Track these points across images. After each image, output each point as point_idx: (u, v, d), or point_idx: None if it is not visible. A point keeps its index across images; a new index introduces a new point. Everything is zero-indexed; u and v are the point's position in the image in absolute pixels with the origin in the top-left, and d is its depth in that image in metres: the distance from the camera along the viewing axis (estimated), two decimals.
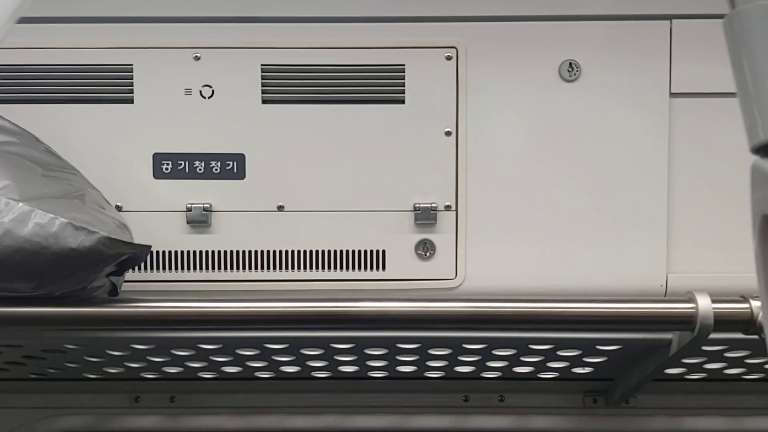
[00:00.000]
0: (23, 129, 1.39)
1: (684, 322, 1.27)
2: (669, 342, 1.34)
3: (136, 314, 1.27)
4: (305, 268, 1.50)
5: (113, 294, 1.31)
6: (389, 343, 1.42)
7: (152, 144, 1.49)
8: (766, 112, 0.71)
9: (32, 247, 1.15)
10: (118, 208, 1.46)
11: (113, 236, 1.18)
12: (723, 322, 1.25)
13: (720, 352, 1.41)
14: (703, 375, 1.59)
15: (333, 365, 1.55)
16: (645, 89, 1.49)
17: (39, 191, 1.22)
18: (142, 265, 1.47)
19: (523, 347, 1.44)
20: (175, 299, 1.32)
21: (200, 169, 1.49)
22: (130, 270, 1.40)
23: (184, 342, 1.40)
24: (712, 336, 1.27)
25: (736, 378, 1.59)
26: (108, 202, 1.39)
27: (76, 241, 1.15)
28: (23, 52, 1.47)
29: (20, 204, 1.16)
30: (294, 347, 1.44)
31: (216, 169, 1.49)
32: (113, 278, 1.29)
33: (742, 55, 0.73)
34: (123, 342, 1.39)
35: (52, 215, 1.16)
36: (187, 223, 1.49)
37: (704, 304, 1.25)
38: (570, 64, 1.49)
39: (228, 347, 1.44)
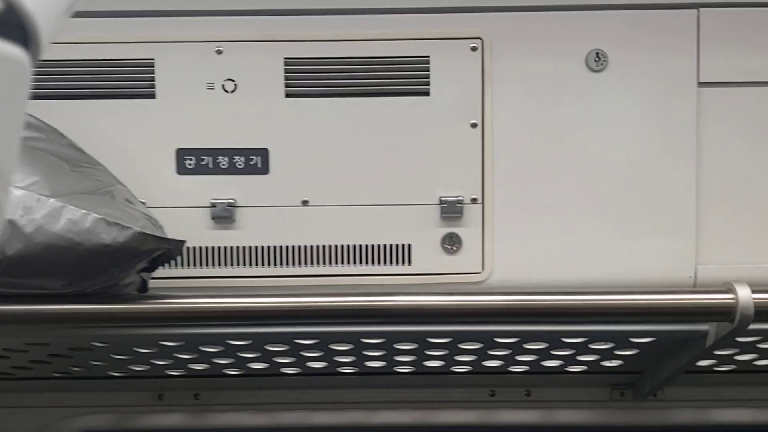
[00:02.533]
0: (48, 125, 1.37)
1: (723, 313, 1.25)
2: (705, 333, 1.32)
3: (169, 311, 1.26)
4: (330, 263, 1.49)
5: (143, 290, 1.30)
6: (420, 338, 1.40)
7: (175, 139, 1.47)
8: None
9: (65, 244, 1.13)
10: (142, 204, 1.45)
11: (147, 231, 1.17)
12: (763, 312, 1.23)
13: (753, 343, 1.39)
14: (733, 366, 1.57)
15: (360, 361, 1.54)
16: (673, 78, 1.47)
17: (69, 187, 1.20)
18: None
19: (555, 340, 1.42)
20: (206, 295, 1.30)
21: (224, 164, 1.47)
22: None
23: (214, 338, 1.39)
24: (751, 327, 1.25)
25: (766, 369, 1.58)
26: (135, 198, 1.38)
27: (110, 237, 1.14)
28: None
29: (51, 200, 1.15)
30: (324, 342, 1.42)
31: (240, 164, 1.47)
32: (144, 274, 1.28)
33: None
34: (152, 339, 1.37)
35: (84, 211, 1.14)
36: (212, 218, 1.47)
37: (744, 295, 1.23)
38: (597, 54, 1.47)
39: (257, 343, 1.42)
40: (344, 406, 1.68)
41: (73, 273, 1.17)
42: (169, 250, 1.22)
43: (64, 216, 1.14)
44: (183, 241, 1.27)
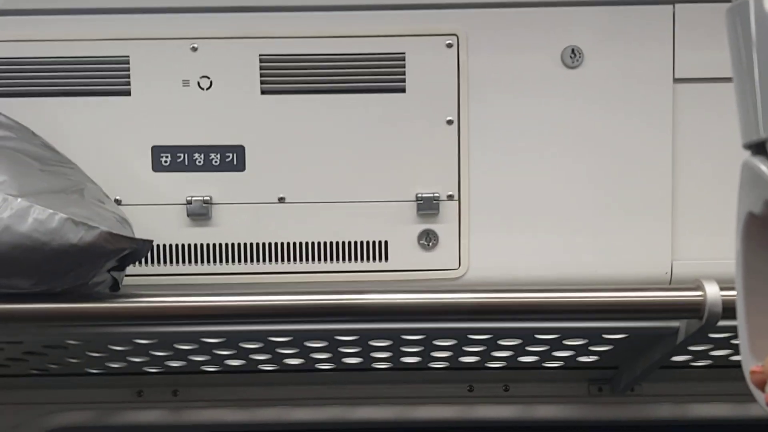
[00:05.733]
0: (19, 123, 1.37)
1: (692, 310, 1.26)
2: (676, 330, 1.33)
3: (139, 309, 1.26)
4: (307, 260, 1.49)
5: (114, 289, 1.30)
6: (394, 335, 1.41)
7: (151, 137, 1.47)
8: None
9: (32, 243, 1.13)
10: (118, 202, 1.45)
11: (114, 231, 1.17)
12: (731, 309, 1.23)
13: (727, 339, 1.40)
14: (709, 362, 1.58)
15: (337, 357, 1.54)
16: (648, 75, 1.47)
17: (37, 186, 1.20)
18: (143, 259, 1.45)
19: (528, 337, 1.43)
20: (178, 293, 1.30)
21: (200, 162, 1.47)
22: (131, 265, 1.39)
23: (186, 336, 1.39)
24: (720, 323, 1.25)
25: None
26: (107, 196, 1.38)
27: (77, 236, 1.14)
28: (18, 45, 1.45)
29: (19, 200, 1.15)
30: (298, 340, 1.43)
31: (216, 161, 1.47)
32: (114, 273, 1.28)
33: (742, 47, 0.72)
34: (125, 337, 1.37)
35: (51, 210, 1.14)
36: (188, 216, 1.47)
37: (712, 292, 1.23)
38: (572, 50, 1.47)
39: (231, 340, 1.43)
40: (322, 402, 1.69)
41: (41, 272, 1.18)
42: (136, 250, 1.22)
43: (31, 216, 1.14)
44: (150, 241, 1.27)
